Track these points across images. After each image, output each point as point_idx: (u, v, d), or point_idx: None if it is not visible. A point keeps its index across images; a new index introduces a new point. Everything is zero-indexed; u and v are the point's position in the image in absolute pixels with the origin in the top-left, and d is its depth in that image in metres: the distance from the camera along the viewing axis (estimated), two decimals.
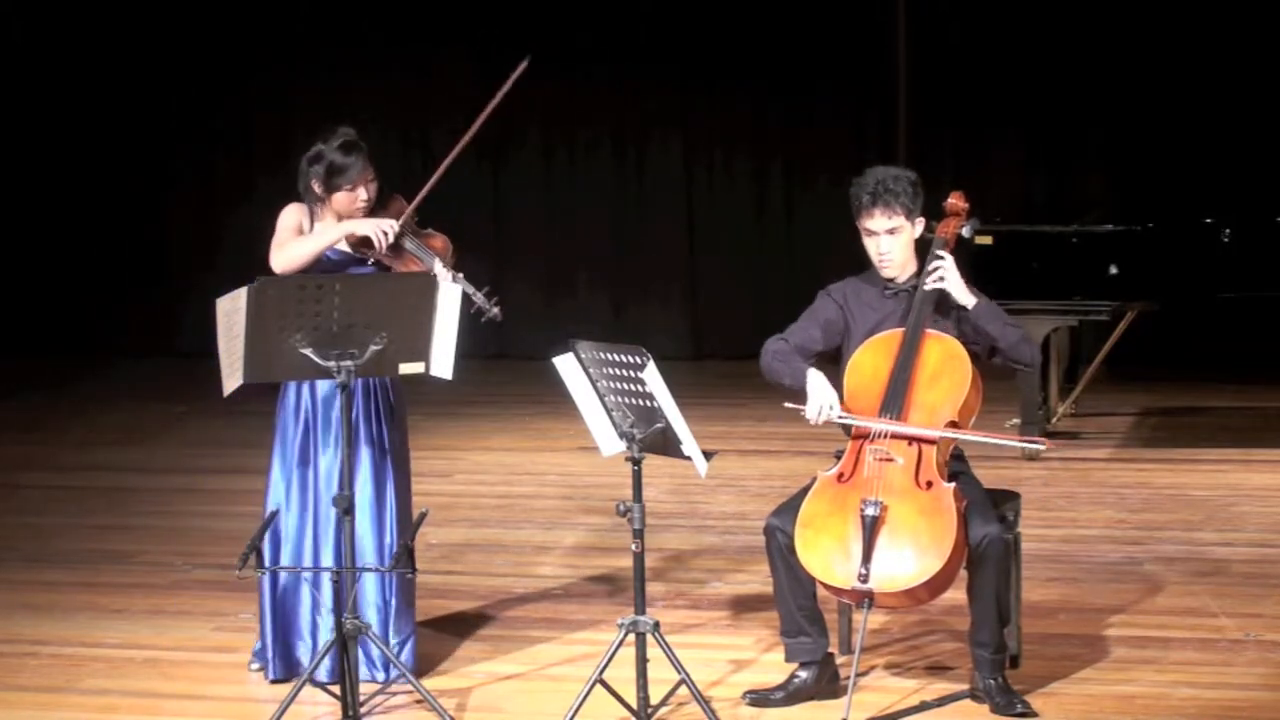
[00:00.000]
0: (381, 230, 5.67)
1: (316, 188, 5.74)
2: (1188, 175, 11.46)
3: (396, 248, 5.75)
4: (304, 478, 5.74)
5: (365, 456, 5.74)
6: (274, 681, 5.74)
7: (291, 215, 5.78)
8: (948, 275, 5.42)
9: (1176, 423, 10.16)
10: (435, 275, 5.58)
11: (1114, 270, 9.02)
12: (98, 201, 13.28)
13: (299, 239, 5.71)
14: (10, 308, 13.24)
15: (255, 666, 5.92)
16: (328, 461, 5.72)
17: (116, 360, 12.83)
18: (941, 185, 5.60)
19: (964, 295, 5.44)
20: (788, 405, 5.43)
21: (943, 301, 5.48)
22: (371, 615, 5.69)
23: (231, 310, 5.21)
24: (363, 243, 5.72)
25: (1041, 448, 5.56)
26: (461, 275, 5.73)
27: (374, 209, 5.78)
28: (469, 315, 5.59)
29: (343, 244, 5.74)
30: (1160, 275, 9.11)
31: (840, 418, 5.36)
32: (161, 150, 13.15)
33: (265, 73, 12.91)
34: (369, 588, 5.73)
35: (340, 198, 5.73)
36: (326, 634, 5.63)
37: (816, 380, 5.40)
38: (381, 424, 5.78)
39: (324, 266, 5.69)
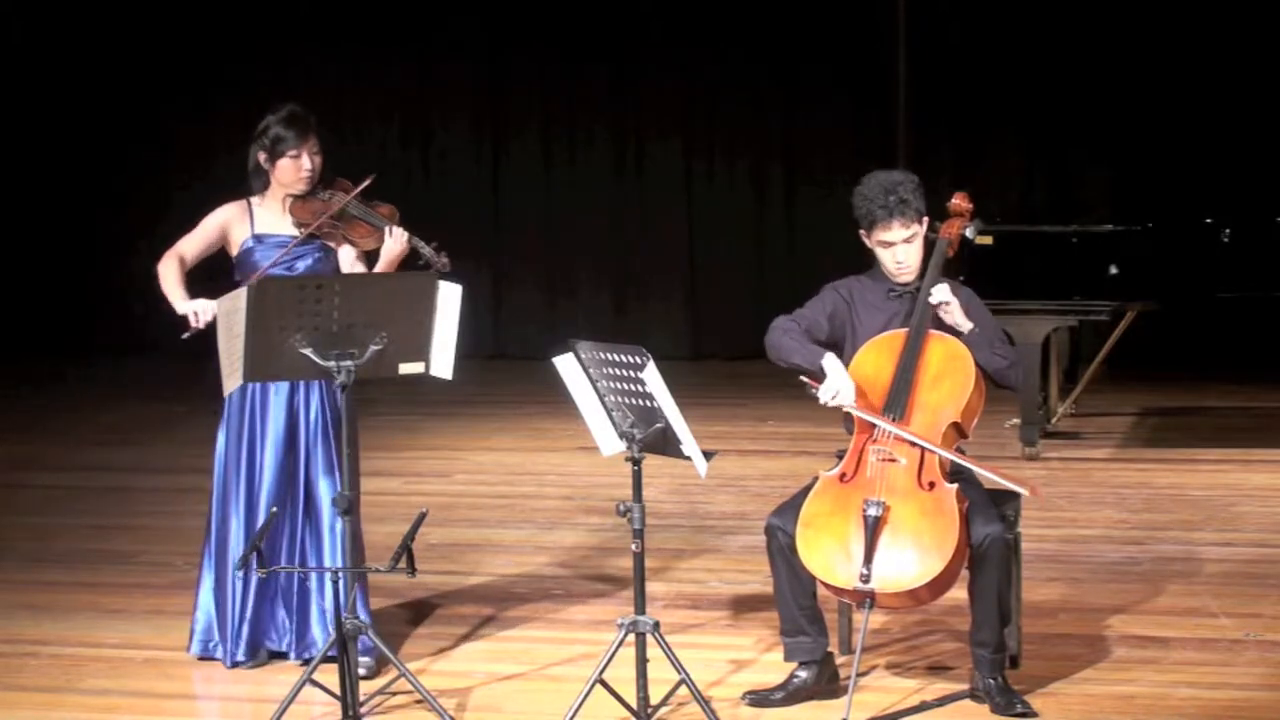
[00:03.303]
0: (193, 310, 5.71)
1: (263, 159, 5.88)
2: (1188, 175, 11.48)
3: (343, 215, 5.87)
4: (251, 480, 5.85)
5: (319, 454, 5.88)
6: (234, 665, 5.86)
7: (216, 216, 5.95)
8: (953, 309, 5.43)
9: (1176, 423, 10.17)
10: (393, 236, 5.80)
11: (1114, 270, 9.03)
12: (98, 201, 13.29)
13: (171, 278, 5.82)
14: (10, 308, 13.24)
15: (203, 653, 5.96)
16: (268, 461, 5.85)
17: (115, 360, 12.83)
18: (941, 186, 5.58)
19: (962, 323, 5.45)
20: (803, 379, 5.42)
21: None
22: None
23: (231, 310, 5.22)
24: (301, 213, 5.84)
25: (1024, 493, 5.50)
26: (408, 234, 5.90)
27: (318, 187, 5.91)
28: (417, 269, 5.77)
29: (289, 226, 5.87)
30: (1160, 275, 9.12)
31: (851, 408, 5.36)
32: (163, 150, 13.15)
33: (266, 73, 12.91)
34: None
35: (285, 165, 5.87)
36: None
37: (834, 364, 5.40)
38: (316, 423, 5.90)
39: (276, 248, 5.82)
